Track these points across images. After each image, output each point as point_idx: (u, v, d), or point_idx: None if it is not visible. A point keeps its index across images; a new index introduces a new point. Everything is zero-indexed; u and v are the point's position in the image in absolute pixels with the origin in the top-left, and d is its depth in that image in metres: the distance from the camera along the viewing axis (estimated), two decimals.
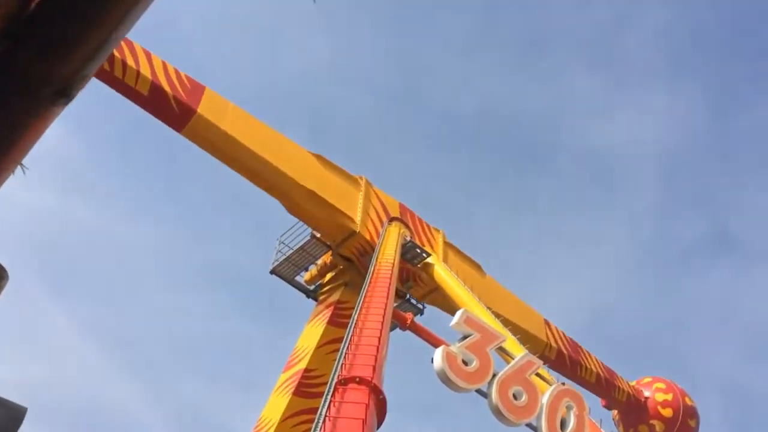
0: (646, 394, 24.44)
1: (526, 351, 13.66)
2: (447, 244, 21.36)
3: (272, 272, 20.55)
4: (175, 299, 52.51)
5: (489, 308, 16.43)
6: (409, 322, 14.71)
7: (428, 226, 21.22)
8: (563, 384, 13.15)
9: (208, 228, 57.18)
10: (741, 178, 60.71)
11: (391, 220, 19.83)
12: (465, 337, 12.58)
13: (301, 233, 20.25)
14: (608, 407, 24.42)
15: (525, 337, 17.38)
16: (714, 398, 53.61)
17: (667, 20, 61.58)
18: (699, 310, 57.77)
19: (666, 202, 61.68)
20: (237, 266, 53.21)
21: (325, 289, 19.85)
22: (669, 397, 24.23)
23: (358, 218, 19.12)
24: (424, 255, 19.15)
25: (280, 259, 20.36)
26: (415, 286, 19.85)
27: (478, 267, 22.03)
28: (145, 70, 16.21)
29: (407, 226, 20.03)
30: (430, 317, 20.29)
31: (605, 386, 23.42)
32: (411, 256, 19.01)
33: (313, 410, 8.81)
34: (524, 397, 12.19)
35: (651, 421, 23.90)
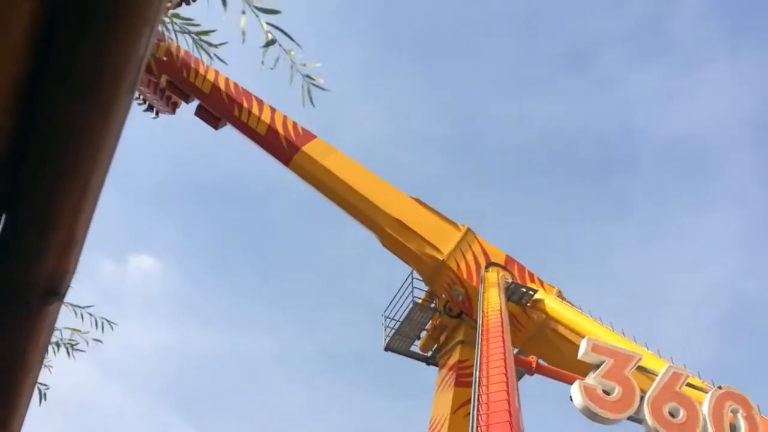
0: None
1: (670, 363, 12.72)
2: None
3: (387, 349, 20.43)
4: (309, 396, 53.11)
5: None
6: (534, 364, 14.08)
7: (541, 281, 19.55)
8: (720, 387, 12.07)
9: (314, 320, 58.19)
10: None
11: (488, 265, 19.39)
12: (598, 366, 11.91)
13: (404, 303, 20.18)
14: None
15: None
16: None
17: None
18: None
19: (766, 167, 57.64)
20: (353, 350, 53.53)
21: (443, 352, 19.47)
22: None
23: (446, 250, 18.76)
24: (531, 292, 18.50)
25: (391, 334, 20.25)
26: (515, 332, 18.93)
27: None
28: (266, 117, 20.05)
29: (507, 270, 19.45)
30: None
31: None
32: (518, 297, 18.39)
33: None
34: (682, 413, 11.27)
35: None
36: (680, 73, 59.86)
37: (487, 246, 19.76)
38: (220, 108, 20.32)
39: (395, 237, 19.04)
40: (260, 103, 20.40)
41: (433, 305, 19.63)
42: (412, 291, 20.10)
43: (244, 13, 3.33)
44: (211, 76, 20.22)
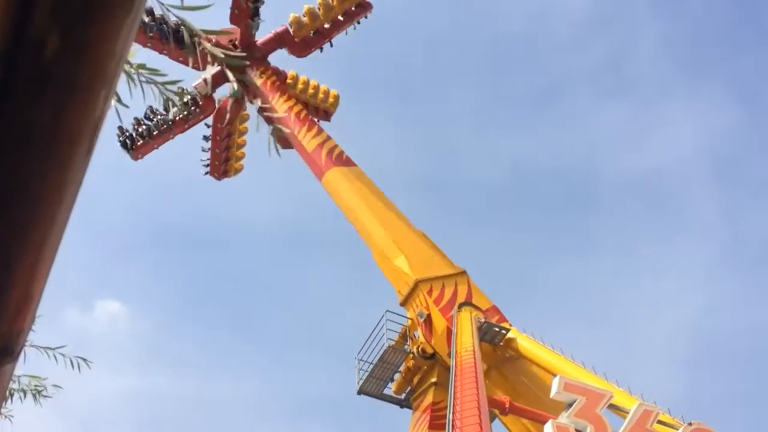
0: None
1: (640, 400, 12.78)
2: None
3: (360, 392, 20.15)
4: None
5: None
6: (507, 405, 14.03)
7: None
8: (690, 424, 12.16)
9: (288, 363, 57.23)
10: None
11: (461, 305, 19.38)
12: (571, 405, 11.92)
13: (377, 345, 20.01)
14: None
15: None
16: None
17: (664, 31, 61.83)
18: None
19: (731, 202, 59.26)
20: (326, 394, 52.66)
21: (416, 394, 19.25)
22: None
23: (424, 276, 18.70)
24: (504, 332, 18.52)
25: (364, 377, 20.00)
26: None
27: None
28: (318, 138, 22.96)
29: (480, 310, 19.46)
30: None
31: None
32: (491, 336, 18.39)
33: None
34: None
35: None
36: (643, 109, 61.77)
37: (476, 290, 19.66)
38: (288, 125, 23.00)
39: (384, 255, 19.97)
40: (319, 129, 23.74)
41: (406, 347, 19.49)
42: (385, 333, 19.99)
43: (212, 65, 3.39)
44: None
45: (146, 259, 62.35)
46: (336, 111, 28.36)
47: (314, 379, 56.91)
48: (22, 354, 1.40)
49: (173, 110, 24.09)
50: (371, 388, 20.07)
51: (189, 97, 24.55)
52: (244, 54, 3.54)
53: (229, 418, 53.95)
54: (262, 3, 24.75)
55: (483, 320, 18.66)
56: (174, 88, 3.88)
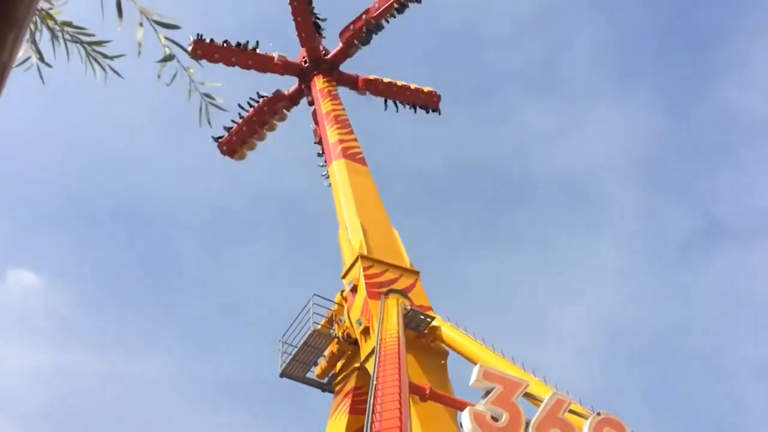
0: None
1: (554, 390, 13.29)
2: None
3: (282, 375, 20.06)
4: (203, 422, 50.98)
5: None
6: (428, 391, 14.30)
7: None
8: (599, 413, 12.75)
9: (212, 344, 56.32)
10: (713, 165, 61.71)
11: (388, 292, 19.55)
12: (488, 392, 12.27)
13: (302, 328, 19.95)
14: None
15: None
16: (755, 385, 52.40)
17: (599, 34, 63.97)
18: (712, 300, 57.31)
19: (650, 204, 62.19)
20: (249, 376, 52.20)
21: (339, 378, 19.34)
22: None
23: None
24: (429, 320, 18.82)
25: (287, 360, 19.92)
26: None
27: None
28: (340, 135, 25.06)
29: (407, 297, 19.71)
30: (452, 377, 19.78)
31: None
32: (416, 324, 18.66)
33: None
34: None
35: None
36: (572, 110, 63.87)
37: (419, 290, 19.65)
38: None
39: (347, 229, 20.95)
40: (348, 131, 25.66)
41: (332, 331, 19.52)
42: (311, 317, 19.94)
43: (141, 25, 3.25)
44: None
45: (68, 232, 59.81)
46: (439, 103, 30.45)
47: (237, 361, 56.25)
48: None
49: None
50: (294, 371, 20.02)
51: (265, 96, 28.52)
52: (177, 24, 3.39)
53: (146, 397, 52.68)
54: (323, 20, 28.34)
55: (409, 308, 18.91)
56: (102, 49, 3.71)
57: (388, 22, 28.91)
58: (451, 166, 63.89)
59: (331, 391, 19.51)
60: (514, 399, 12.19)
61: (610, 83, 65.48)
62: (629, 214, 61.45)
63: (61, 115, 54.64)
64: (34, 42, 3.28)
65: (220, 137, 29.69)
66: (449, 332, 18.42)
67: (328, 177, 27.19)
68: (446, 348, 18.38)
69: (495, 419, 11.72)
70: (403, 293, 19.70)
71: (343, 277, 20.15)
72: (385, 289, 19.51)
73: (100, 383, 52.09)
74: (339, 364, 19.67)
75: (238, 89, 29.27)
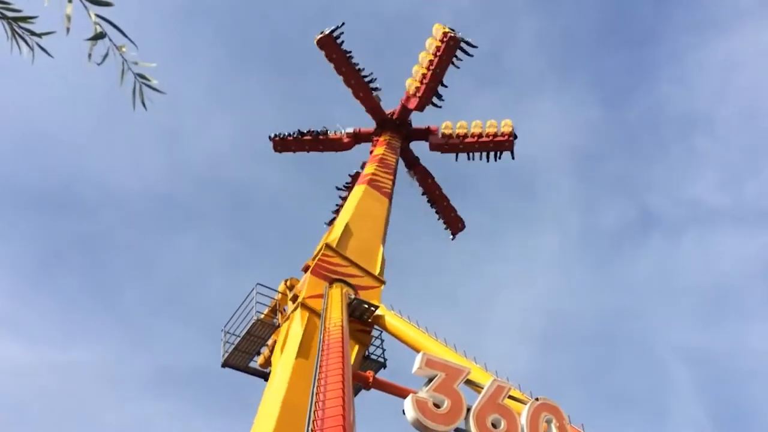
0: None
1: (494, 376, 13.57)
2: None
3: (224, 365, 19.79)
4: (133, 413, 49.82)
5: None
6: (371, 380, 14.37)
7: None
8: (537, 399, 13.08)
9: (150, 333, 55.09)
10: (646, 157, 64.04)
11: (332, 282, 19.54)
12: (431, 380, 12.41)
13: (245, 318, 19.70)
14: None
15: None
16: (680, 370, 54.91)
17: (540, 26, 65.22)
18: (644, 288, 59.66)
19: (586, 195, 64.07)
20: (189, 366, 51.29)
21: None
22: None
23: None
24: (372, 308, 18.90)
25: (230, 350, 19.66)
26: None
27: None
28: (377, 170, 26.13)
29: (351, 286, 19.74)
30: (397, 369, 19.96)
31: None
32: (359, 312, 18.71)
33: None
34: (503, 424, 12.07)
35: None
36: (513, 100, 65.01)
37: (375, 296, 19.57)
38: None
39: (334, 229, 21.24)
40: (385, 172, 26.43)
41: (275, 321, 19.36)
42: (254, 306, 19.71)
43: (70, 1, 3.10)
44: None
45: None
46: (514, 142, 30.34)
47: (176, 351, 55.15)
48: None
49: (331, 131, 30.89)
50: (236, 361, 19.78)
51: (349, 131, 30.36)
52: (110, 1, 3.24)
53: (77, 387, 51.10)
54: (379, 89, 29.93)
55: (353, 297, 18.94)
56: (29, 25, 3.52)
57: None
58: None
59: None
60: (455, 386, 12.37)
61: (550, 76, 66.99)
62: (566, 205, 63.22)
63: None
64: None
65: (277, 135, 31.24)
66: (393, 321, 18.55)
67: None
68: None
69: (437, 406, 11.88)
70: (348, 283, 19.73)
71: (305, 270, 19.86)
72: (334, 276, 19.58)
73: (27, 374, 50.17)
74: None
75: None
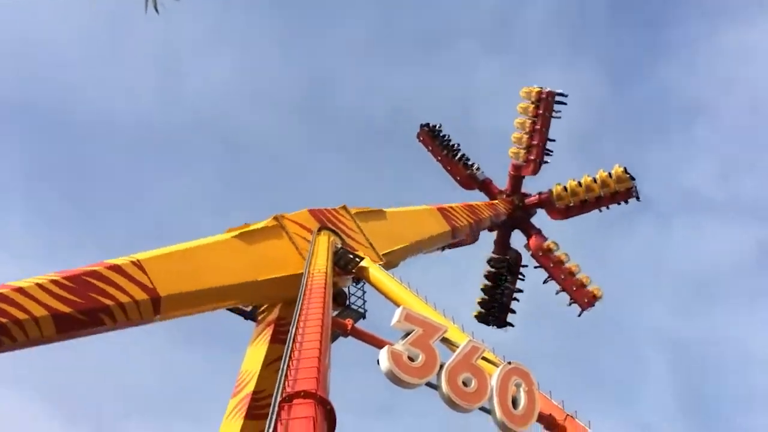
0: None
1: (470, 338, 13.79)
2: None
3: None
4: (108, 340, 50.39)
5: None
6: (349, 327, 14.58)
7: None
8: (510, 363, 13.34)
9: None
10: (646, 141, 63.93)
11: (320, 230, 19.63)
12: (408, 334, 12.61)
13: None
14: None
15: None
16: (656, 354, 56.01)
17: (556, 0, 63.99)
18: (630, 271, 60.32)
19: (579, 173, 63.92)
20: None
21: (263, 308, 19.44)
22: None
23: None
24: (357, 260, 19.05)
25: None
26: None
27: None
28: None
29: (335, 233, 19.86)
30: (375, 321, 20.21)
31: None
32: (344, 262, 18.87)
33: None
34: (474, 383, 12.32)
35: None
36: (521, 69, 64.36)
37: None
38: None
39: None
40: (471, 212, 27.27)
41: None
42: None
43: None
44: None
45: None
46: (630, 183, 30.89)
47: None
48: None
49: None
50: None
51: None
52: None
53: None
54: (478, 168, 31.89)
55: (339, 246, 19.07)
56: None
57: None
58: (395, 111, 63.64)
59: (254, 320, 19.62)
60: (431, 342, 12.59)
61: (560, 50, 66.17)
62: (559, 179, 63.13)
63: None
64: None
65: (427, 125, 33.33)
66: (376, 274, 18.74)
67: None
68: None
69: (411, 359, 12.10)
70: (335, 232, 19.84)
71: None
72: (329, 225, 19.78)
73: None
74: None
75: None
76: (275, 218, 19.73)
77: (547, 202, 31.43)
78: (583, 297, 29.65)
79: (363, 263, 19.03)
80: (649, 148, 63.53)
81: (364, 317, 20.21)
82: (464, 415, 12.23)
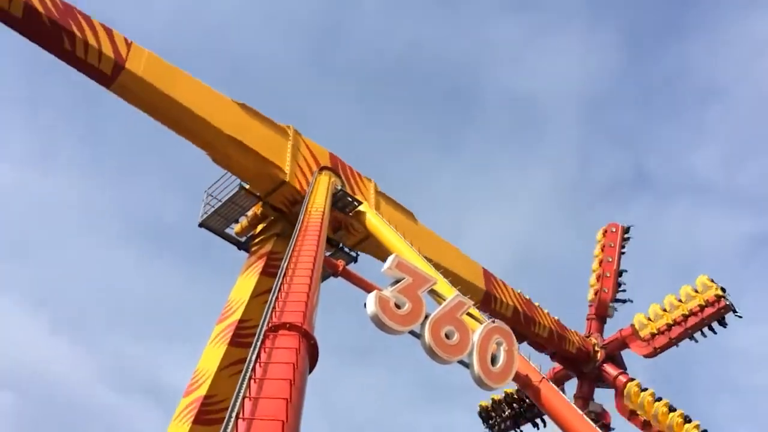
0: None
1: (457, 292, 13.95)
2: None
3: (201, 225, 20.08)
4: (101, 255, 50.92)
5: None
6: (341, 268, 14.71)
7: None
8: (493, 321, 13.54)
9: (131, 180, 55.30)
10: (655, 119, 63.34)
11: (321, 169, 19.60)
12: (397, 282, 12.74)
13: (229, 185, 19.78)
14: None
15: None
16: None
17: None
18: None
19: (586, 142, 63.64)
20: (166, 219, 51.98)
21: (257, 240, 19.58)
22: None
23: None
24: (356, 203, 19.09)
25: (209, 212, 19.88)
26: (348, 235, 19.82)
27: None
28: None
29: (338, 175, 19.84)
30: (364, 266, 20.41)
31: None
32: (342, 204, 18.91)
33: None
34: (456, 336, 12.53)
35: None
36: (538, 32, 63.16)
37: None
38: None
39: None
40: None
41: (259, 194, 19.50)
42: None
43: None
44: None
45: None
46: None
47: (155, 201, 55.62)
48: None
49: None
50: (214, 224, 20.06)
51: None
52: None
53: (50, 218, 51.74)
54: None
55: (339, 188, 19.08)
56: None
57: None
58: (406, 60, 62.69)
59: (247, 251, 19.77)
60: (419, 292, 12.73)
61: (583, 14, 64.76)
62: (564, 146, 62.89)
63: None
64: None
65: None
66: (373, 220, 18.81)
67: None
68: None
69: (398, 306, 12.26)
70: (336, 174, 19.82)
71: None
72: (334, 169, 19.76)
73: (12, 194, 50.52)
74: (260, 227, 19.85)
75: None
76: (293, 129, 19.70)
77: (629, 340, 25.55)
78: (718, 312, 24.72)
79: (361, 207, 19.08)
80: (659, 125, 63.04)
81: (355, 261, 20.42)
82: (442, 366, 12.49)
